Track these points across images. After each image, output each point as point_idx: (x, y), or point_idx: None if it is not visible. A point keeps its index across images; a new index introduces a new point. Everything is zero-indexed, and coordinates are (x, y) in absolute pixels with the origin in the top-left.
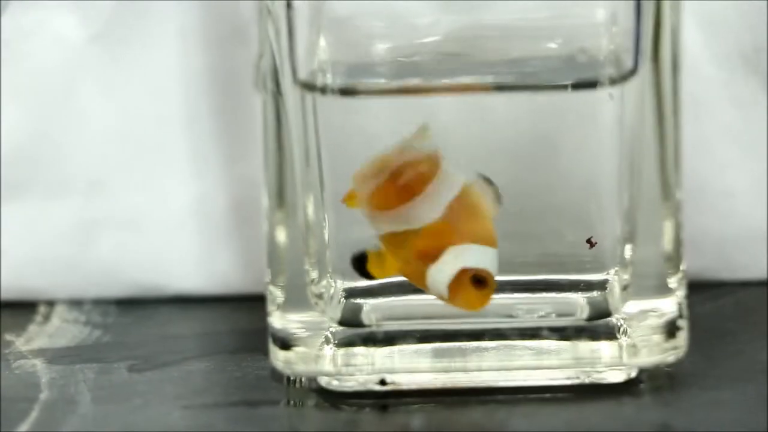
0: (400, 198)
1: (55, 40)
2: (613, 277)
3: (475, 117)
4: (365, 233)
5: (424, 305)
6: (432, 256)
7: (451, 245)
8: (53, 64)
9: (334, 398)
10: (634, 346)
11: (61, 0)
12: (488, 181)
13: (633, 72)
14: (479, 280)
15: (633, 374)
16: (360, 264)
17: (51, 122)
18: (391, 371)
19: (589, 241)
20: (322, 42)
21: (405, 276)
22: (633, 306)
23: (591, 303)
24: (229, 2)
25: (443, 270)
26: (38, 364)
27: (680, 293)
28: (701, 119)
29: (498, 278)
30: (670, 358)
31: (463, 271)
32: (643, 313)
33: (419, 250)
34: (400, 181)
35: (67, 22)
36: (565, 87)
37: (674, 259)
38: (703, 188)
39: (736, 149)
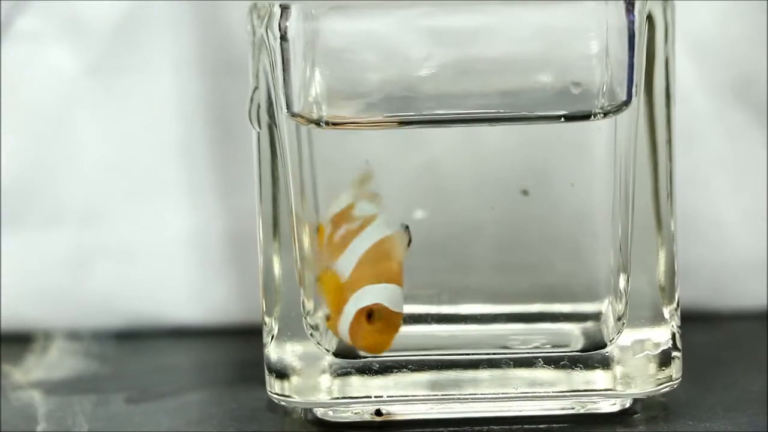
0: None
1: (50, 72)
2: (608, 308)
3: (470, 148)
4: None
5: (419, 336)
6: (336, 307)
7: (351, 293)
8: (49, 95)
9: (330, 429)
10: (628, 376)
11: (56, 32)
12: (407, 229)
13: (626, 103)
14: (369, 314)
15: (627, 404)
16: None
17: (47, 153)
18: (387, 402)
19: None
20: (317, 74)
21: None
22: (627, 336)
23: (585, 333)
24: (225, 33)
25: (345, 317)
26: (36, 395)
27: (674, 323)
28: (694, 150)
29: (492, 309)
30: (665, 388)
31: (360, 312)
32: (638, 344)
33: (326, 297)
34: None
35: (62, 54)
36: (557, 118)
37: (668, 290)
38: (696, 218)
39: (729, 180)
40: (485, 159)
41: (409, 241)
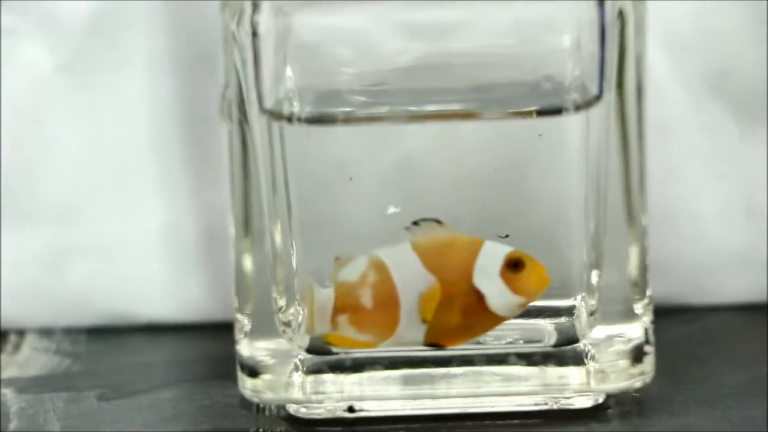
0: (389, 317)
1: (24, 69)
2: (580, 303)
3: (444, 143)
4: (332, 261)
5: None
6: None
7: (470, 278)
8: (22, 93)
9: (302, 426)
10: (601, 371)
11: (30, 29)
12: (423, 221)
13: (598, 98)
14: (515, 264)
15: (601, 400)
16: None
17: (21, 151)
18: (360, 398)
19: None
20: (289, 70)
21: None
22: (600, 332)
23: (558, 329)
24: (198, 30)
25: (494, 288)
26: (8, 393)
27: (647, 318)
28: (669, 144)
29: None
30: (638, 383)
31: (504, 271)
32: (610, 339)
33: (457, 313)
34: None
35: (36, 51)
36: (530, 113)
37: (640, 285)
38: (671, 213)
39: (704, 174)
40: (461, 154)
41: (438, 221)
